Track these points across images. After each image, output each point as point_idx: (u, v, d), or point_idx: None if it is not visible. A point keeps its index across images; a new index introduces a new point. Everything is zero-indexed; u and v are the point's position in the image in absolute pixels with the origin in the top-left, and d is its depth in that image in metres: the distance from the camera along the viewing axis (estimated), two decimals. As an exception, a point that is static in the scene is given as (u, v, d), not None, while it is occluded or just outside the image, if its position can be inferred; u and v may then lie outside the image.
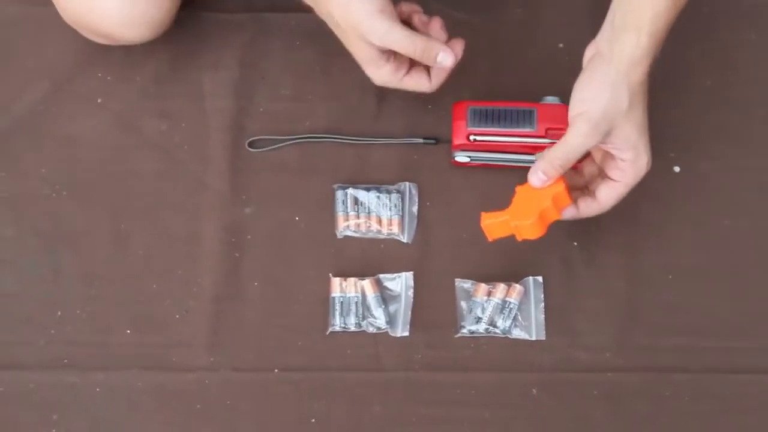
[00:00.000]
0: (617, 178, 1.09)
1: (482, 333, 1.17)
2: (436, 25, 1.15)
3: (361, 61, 1.13)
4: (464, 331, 1.18)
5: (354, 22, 1.08)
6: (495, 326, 1.17)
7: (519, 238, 1.11)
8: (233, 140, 1.27)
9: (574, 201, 1.11)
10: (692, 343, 1.18)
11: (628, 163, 1.08)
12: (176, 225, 1.24)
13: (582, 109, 1.06)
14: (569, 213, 1.12)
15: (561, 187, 1.09)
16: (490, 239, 1.13)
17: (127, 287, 1.21)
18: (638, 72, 1.05)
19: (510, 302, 1.17)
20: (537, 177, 1.08)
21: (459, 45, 1.14)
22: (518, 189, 1.11)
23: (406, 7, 1.16)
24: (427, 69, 1.15)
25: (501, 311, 1.17)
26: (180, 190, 1.26)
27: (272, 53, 1.32)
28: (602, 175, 1.12)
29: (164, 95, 1.30)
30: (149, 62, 1.31)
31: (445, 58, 1.11)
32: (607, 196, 1.11)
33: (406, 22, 1.14)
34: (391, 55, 1.11)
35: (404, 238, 1.22)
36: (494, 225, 1.12)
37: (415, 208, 1.24)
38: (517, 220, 1.10)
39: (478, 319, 1.17)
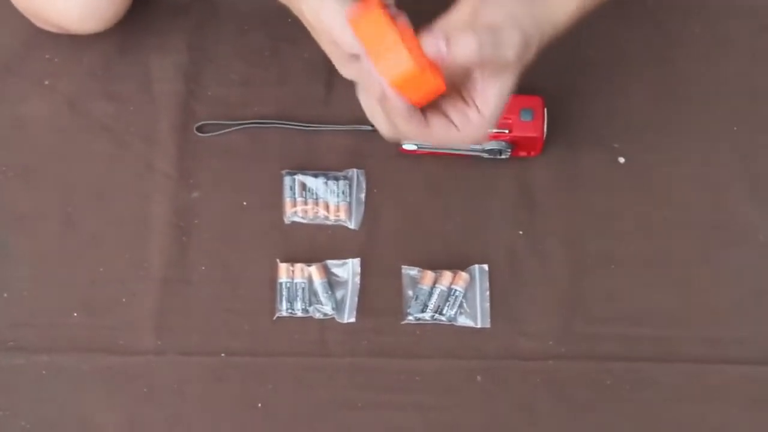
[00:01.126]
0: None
1: (428, 320, 1.19)
2: (402, 21, 1.14)
3: (332, 58, 1.13)
4: (410, 318, 1.19)
5: (325, 28, 1.09)
6: (441, 314, 1.19)
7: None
8: (181, 124, 1.28)
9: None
10: (632, 332, 1.19)
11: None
12: (124, 208, 1.24)
13: None
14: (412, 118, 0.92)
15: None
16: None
17: (75, 269, 1.21)
18: None
19: (456, 290, 1.19)
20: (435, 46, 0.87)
21: None
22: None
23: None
24: None
25: (447, 299, 1.19)
26: (128, 174, 1.26)
27: (221, 37, 1.32)
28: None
29: (112, 78, 1.30)
30: (97, 45, 1.31)
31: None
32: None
33: None
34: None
35: (351, 225, 1.23)
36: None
37: (362, 195, 1.25)
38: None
39: (424, 307, 1.19)
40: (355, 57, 1.10)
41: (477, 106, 0.92)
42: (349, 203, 1.24)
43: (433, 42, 0.86)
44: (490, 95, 0.91)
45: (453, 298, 1.19)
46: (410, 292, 1.20)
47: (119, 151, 1.27)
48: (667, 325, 1.21)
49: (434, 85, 0.86)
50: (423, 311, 1.19)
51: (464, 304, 1.20)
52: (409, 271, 1.21)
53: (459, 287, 1.20)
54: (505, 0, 0.91)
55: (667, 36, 1.34)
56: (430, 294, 1.20)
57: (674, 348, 1.20)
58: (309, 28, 1.10)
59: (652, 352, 1.19)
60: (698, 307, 1.22)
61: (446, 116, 0.93)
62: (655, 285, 1.23)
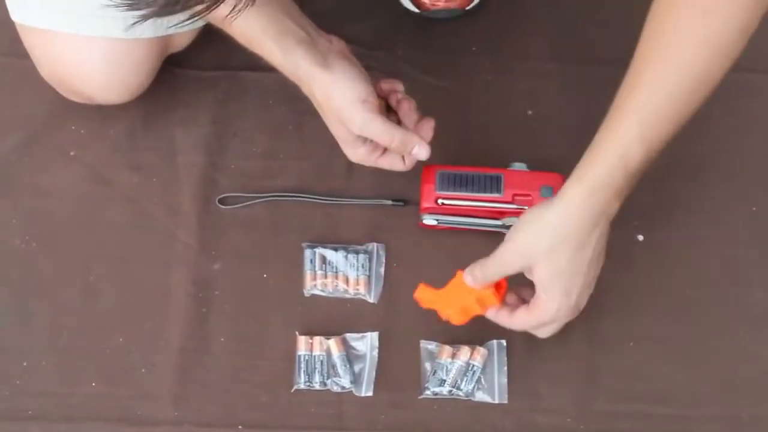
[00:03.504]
0: (531, 307, 1.12)
1: (445, 395, 1.19)
2: (405, 106, 1.20)
3: (339, 140, 1.17)
4: (428, 392, 1.19)
5: (334, 109, 1.12)
6: (458, 389, 1.19)
7: (442, 317, 1.17)
8: (204, 196, 1.30)
9: (505, 302, 1.15)
10: (651, 409, 1.20)
11: (540, 301, 1.10)
12: (145, 278, 1.25)
13: (510, 236, 1.10)
14: (492, 313, 1.15)
15: (489, 291, 1.13)
16: (421, 306, 1.18)
17: (94, 338, 1.22)
18: (572, 214, 1.05)
19: (474, 365, 1.20)
20: (469, 278, 1.13)
21: (429, 125, 1.19)
22: (458, 273, 1.15)
23: (386, 85, 1.21)
24: None
25: (465, 374, 1.20)
26: (150, 243, 1.27)
27: (245, 111, 1.35)
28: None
29: (137, 149, 1.33)
30: (122, 116, 1.33)
31: (421, 151, 1.17)
32: (519, 318, 1.13)
33: (383, 98, 1.19)
34: (362, 143, 1.17)
35: (371, 298, 1.24)
36: (425, 300, 1.17)
37: (382, 269, 1.26)
38: (442, 305, 1.16)
39: (442, 381, 1.19)
40: (362, 139, 1.13)
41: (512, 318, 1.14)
42: (369, 276, 1.25)
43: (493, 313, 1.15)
44: (522, 324, 1.14)
45: (471, 373, 1.20)
46: (428, 366, 1.21)
47: (142, 221, 1.29)
48: (686, 403, 1.21)
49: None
50: (441, 386, 1.19)
51: (482, 380, 1.20)
52: (427, 345, 1.22)
53: (477, 362, 1.20)
54: (543, 273, 1.08)
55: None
56: (448, 369, 1.20)
57: (694, 426, 1.20)
58: (318, 108, 1.14)
59: (671, 430, 1.20)
60: (718, 385, 1.22)
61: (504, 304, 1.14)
62: (675, 362, 1.23)
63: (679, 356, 1.23)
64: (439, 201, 1.25)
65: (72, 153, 1.33)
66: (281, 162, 1.33)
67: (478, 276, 1.12)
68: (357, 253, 1.26)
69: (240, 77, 1.37)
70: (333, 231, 1.28)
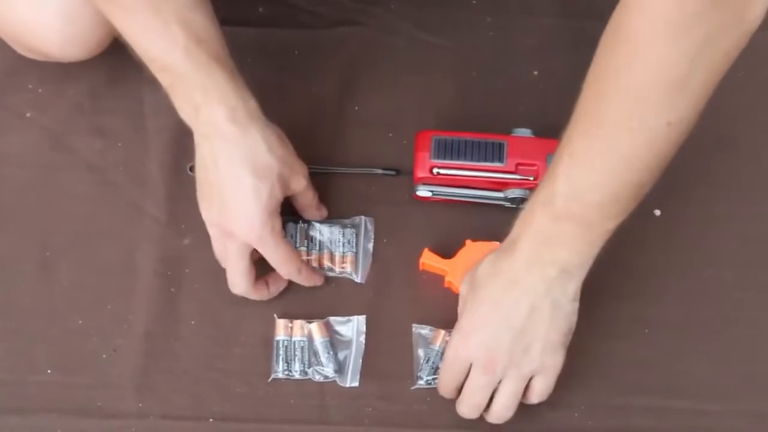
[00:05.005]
0: None
1: None
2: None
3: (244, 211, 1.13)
4: (421, 382, 1.16)
5: (245, 222, 1.11)
6: None
7: (445, 284, 1.19)
8: (174, 163, 1.26)
9: None
10: (667, 404, 1.17)
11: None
12: (107, 254, 1.22)
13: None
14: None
15: None
16: (423, 269, 1.20)
17: (50, 322, 1.19)
18: (503, 248, 1.07)
19: None
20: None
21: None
22: (467, 243, 1.19)
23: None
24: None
25: None
26: (113, 216, 1.25)
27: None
28: None
29: (100, 111, 1.30)
30: (84, 75, 1.30)
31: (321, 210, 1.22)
32: (441, 369, 1.13)
33: None
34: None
35: (357, 278, 1.21)
36: (430, 267, 1.20)
37: (370, 245, 1.23)
38: (452, 278, 1.18)
39: (437, 370, 1.15)
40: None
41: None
42: (356, 254, 1.22)
43: None
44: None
45: None
46: (421, 353, 1.17)
47: (104, 191, 1.26)
48: (706, 397, 1.18)
49: None
50: (435, 374, 1.15)
51: None
52: (420, 330, 1.18)
53: None
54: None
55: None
56: (443, 355, 1.15)
57: (715, 422, 1.17)
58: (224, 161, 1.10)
59: (689, 426, 1.17)
60: (741, 377, 1.19)
61: None
62: (693, 352, 1.20)
63: (698, 345, 1.20)
64: (435, 170, 1.21)
65: (28, 115, 1.30)
66: None
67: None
68: (343, 227, 1.23)
69: None
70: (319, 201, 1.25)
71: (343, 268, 1.21)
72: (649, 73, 0.91)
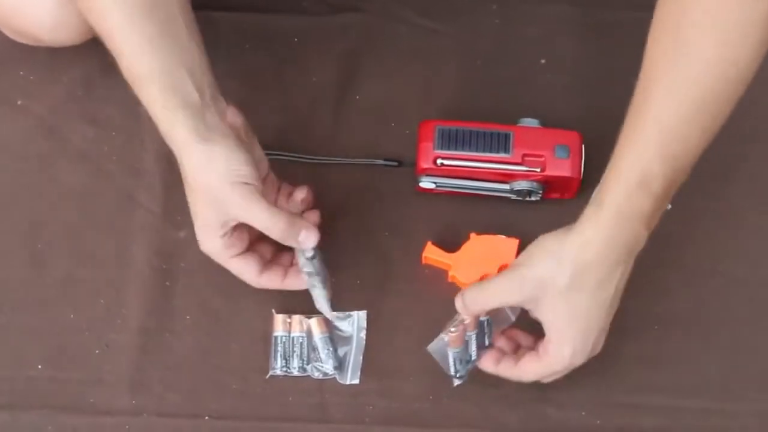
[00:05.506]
0: (541, 353, 1.06)
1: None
2: (298, 197, 1.14)
3: (198, 223, 1.09)
4: (458, 382, 1.12)
5: (207, 187, 1.06)
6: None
7: (448, 279, 1.19)
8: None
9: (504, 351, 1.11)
10: (677, 403, 1.16)
11: (551, 346, 1.05)
12: (100, 247, 1.21)
13: (521, 261, 1.05)
14: (489, 364, 1.10)
15: (511, 261, 1.11)
16: (423, 263, 1.19)
17: (41, 315, 1.18)
18: (594, 246, 1.00)
19: (484, 321, 1.11)
20: (459, 302, 1.08)
21: (315, 215, 1.14)
22: (472, 237, 1.18)
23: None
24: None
25: (483, 336, 1.11)
26: (107, 208, 1.23)
27: (218, 56, 1.22)
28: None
29: (93, 99, 1.29)
30: (78, 61, 1.29)
31: (309, 238, 1.09)
32: (527, 367, 1.08)
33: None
34: (233, 230, 1.08)
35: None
36: (433, 261, 1.19)
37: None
38: (456, 272, 1.18)
39: (468, 361, 1.11)
40: (225, 230, 1.08)
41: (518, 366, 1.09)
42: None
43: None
44: (530, 373, 1.08)
45: (487, 329, 1.11)
46: (447, 358, 1.12)
47: (98, 181, 1.25)
48: (716, 396, 1.17)
49: None
50: (469, 362, 1.12)
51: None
52: (435, 346, 1.12)
53: (484, 317, 1.11)
54: (557, 312, 1.03)
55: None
56: (467, 346, 1.12)
57: (727, 422, 1.16)
58: (184, 181, 1.08)
59: (699, 426, 1.15)
60: (754, 376, 1.18)
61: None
62: (704, 349, 1.19)
63: (709, 342, 1.19)
64: (439, 161, 1.20)
65: (19, 102, 1.29)
66: (258, 115, 1.21)
67: (468, 305, 1.07)
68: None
69: (213, 18, 1.31)
70: (317, 194, 1.21)
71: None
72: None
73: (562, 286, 1.01)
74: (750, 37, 0.92)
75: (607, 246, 1.00)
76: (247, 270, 1.11)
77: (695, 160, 0.99)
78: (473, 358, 1.11)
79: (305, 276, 1.11)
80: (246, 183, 1.06)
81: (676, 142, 0.97)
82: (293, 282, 1.13)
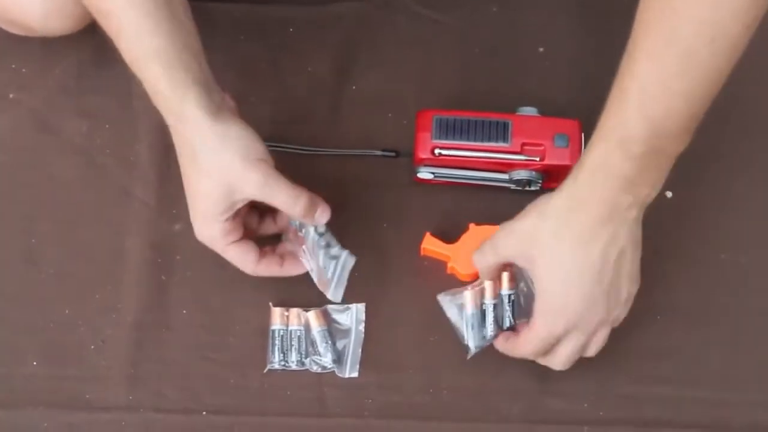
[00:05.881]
0: (531, 321, 1.07)
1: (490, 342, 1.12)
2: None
3: (198, 208, 1.08)
4: (472, 351, 1.11)
5: (222, 166, 1.05)
6: (502, 327, 1.11)
7: (448, 270, 1.19)
8: (164, 145, 1.23)
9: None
10: (681, 393, 1.15)
11: (538, 305, 1.04)
12: (95, 241, 1.21)
13: (515, 218, 1.06)
14: (500, 342, 1.11)
15: None
16: (422, 255, 1.19)
17: (36, 311, 1.18)
18: (575, 198, 1.01)
19: (507, 295, 1.11)
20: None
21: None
22: (471, 227, 1.18)
23: None
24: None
25: (502, 310, 1.11)
26: (101, 201, 1.23)
27: (213, 47, 1.21)
28: None
29: (86, 91, 1.28)
30: (70, 52, 1.29)
31: (323, 213, 1.11)
32: (523, 336, 1.08)
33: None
34: (233, 216, 1.08)
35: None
36: (432, 252, 1.19)
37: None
38: (455, 263, 1.17)
39: (485, 332, 1.11)
40: (227, 216, 1.07)
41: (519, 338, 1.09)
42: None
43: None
44: (521, 346, 1.09)
45: (509, 305, 1.11)
46: (458, 320, 1.13)
47: (91, 175, 1.24)
48: (720, 387, 1.16)
49: None
50: (484, 338, 1.11)
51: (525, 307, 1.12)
52: (448, 297, 1.14)
53: (507, 291, 1.11)
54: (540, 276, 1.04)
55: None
56: (483, 313, 1.11)
57: (730, 413, 1.15)
58: (187, 162, 1.07)
59: (703, 418, 1.15)
60: (757, 366, 1.17)
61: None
62: (708, 339, 1.18)
63: (712, 332, 1.19)
64: (437, 151, 1.19)
65: (11, 95, 1.28)
66: (254, 105, 1.26)
67: (476, 257, 1.09)
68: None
69: (207, 8, 1.30)
70: (313, 186, 1.19)
71: None
72: None
73: (545, 238, 1.01)
74: (741, 10, 0.91)
75: (585, 201, 1.00)
76: (245, 257, 1.10)
77: (682, 128, 0.97)
78: (489, 334, 1.11)
79: (308, 256, 1.12)
80: (264, 160, 1.06)
81: (656, 104, 0.96)
82: (292, 267, 1.13)
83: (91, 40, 1.26)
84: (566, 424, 1.13)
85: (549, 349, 1.06)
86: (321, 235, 1.11)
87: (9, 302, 1.18)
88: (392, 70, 1.30)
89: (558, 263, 1.02)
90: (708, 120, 1.21)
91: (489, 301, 1.12)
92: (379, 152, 1.24)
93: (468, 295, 1.13)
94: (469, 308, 1.13)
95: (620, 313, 1.05)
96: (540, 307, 1.04)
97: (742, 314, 1.19)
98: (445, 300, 1.14)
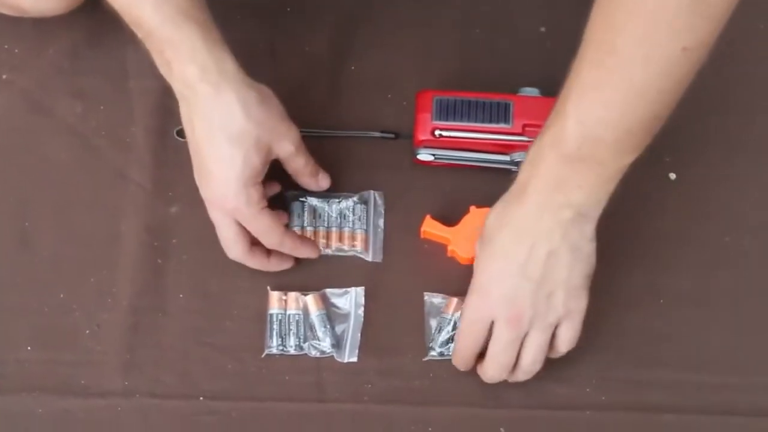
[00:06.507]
0: None
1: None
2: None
3: (228, 174, 1.08)
4: (433, 353, 1.14)
5: (269, 119, 1.09)
6: None
7: (448, 253, 1.18)
8: (160, 127, 1.24)
9: None
10: (685, 378, 1.15)
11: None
12: (90, 224, 1.20)
13: None
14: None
15: None
16: (424, 237, 1.19)
17: (30, 296, 1.17)
18: (511, 192, 1.05)
19: None
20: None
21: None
22: (472, 210, 1.17)
23: None
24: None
25: None
26: (96, 184, 1.22)
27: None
28: None
29: (81, 72, 1.27)
30: (64, 33, 1.28)
31: (325, 178, 1.18)
32: (459, 329, 1.11)
33: None
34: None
35: (369, 257, 1.19)
36: (432, 235, 1.18)
37: (381, 221, 1.21)
38: (456, 246, 1.17)
39: (450, 339, 1.13)
40: (258, 177, 1.09)
41: None
42: (366, 231, 1.20)
43: None
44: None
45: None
46: (433, 323, 1.16)
47: (86, 157, 1.23)
48: (723, 370, 1.16)
49: None
50: (449, 344, 1.14)
51: None
52: (432, 299, 1.17)
53: None
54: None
55: (725, 34, 1.28)
56: (457, 324, 1.13)
57: (734, 397, 1.15)
58: (221, 125, 1.07)
59: (707, 402, 1.15)
60: (761, 349, 1.17)
61: None
62: (711, 322, 1.18)
63: (715, 315, 1.18)
64: (437, 132, 1.19)
65: (4, 76, 1.27)
66: None
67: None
68: (354, 203, 1.21)
69: None
70: None
71: (353, 246, 1.18)
72: None
73: (489, 226, 1.05)
74: (679, 31, 0.91)
75: (522, 192, 1.02)
76: (276, 223, 1.11)
77: (617, 140, 0.98)
78: (452, 346, 1.13)
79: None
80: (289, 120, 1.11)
81: (591, 110, 0.97)
82: (278, 262, 1.15)
83: (85, 21, 1.26)
84: (568, 409, 1.13)
85: (480, 344, 1.07)
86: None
87: (2, 286, 1.17)
88: (392, 50, 1.29)
89: (492, 248, 1.04)
90: (711, 103, 1.22)
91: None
92: (378, 134, 1.24)
93: (454, 301, 1.14)
94: (449, 313, 1.14)
95: (557, 315, 1.05)
96: (470, 289, 1.06)
97: (745, 297, 1.19)
98: (429, 299, 1.16)
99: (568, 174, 0.99)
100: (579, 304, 1.05)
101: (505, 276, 1.03)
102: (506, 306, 1.03)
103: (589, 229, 1.03)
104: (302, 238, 1.15)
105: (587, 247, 1.03)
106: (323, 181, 1.17)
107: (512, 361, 1.06)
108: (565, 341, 1.06)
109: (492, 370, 1.07)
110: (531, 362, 1.06)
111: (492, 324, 1.05)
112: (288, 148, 1.10)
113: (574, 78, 0.97)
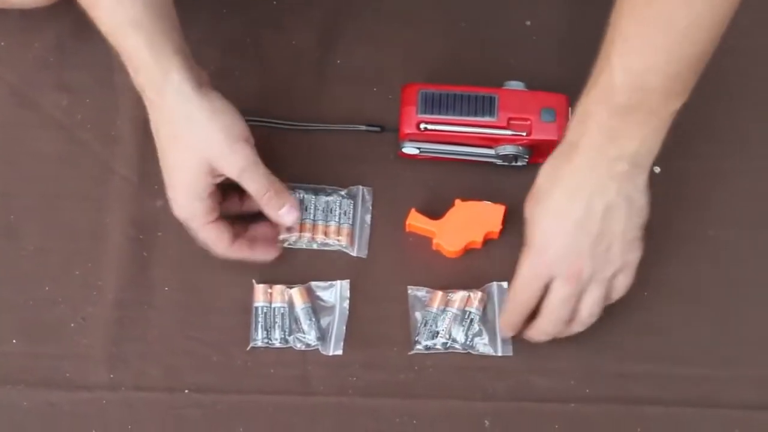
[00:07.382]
0: None
1: (440, 349, 1.14)
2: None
3: (183, 180, 1.08)
4: (419, 347, 1.14)
5: (208, 145, 1.05)
6: (454, 341, 1.14)
7: (433, 247, 1.19)
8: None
9: None
10: (669, 371, 1.15)
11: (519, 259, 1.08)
12: (75, 217, 1.20)
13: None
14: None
15: (497, 228, 1.17)
16: (409, 230, 1.19)
17: (15, 288, 1.17)
18: (559, 151, 1.05)
19: (470, 312, 1.14)
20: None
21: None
22: (457, 203, 1.18)
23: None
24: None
25: (461, 323, 1.14)
26: (81, 177, 1.22)
27: (195, 21, 1.26)
28: None
29: (66, 65, 1.27)
30: (50, 26, 1.28)
31: (290, 214, 1.12)
32: (513, 286, 1.10)
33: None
34: (213, 193, 1.08)
35: (353, 251, 1.19)
36: (417, 228, 1.18)
37: (368, 217, 1.21)
38: (441, 240, 1.17)
39: (435, 333, 1.14)
40: (208, 193, 1.07)
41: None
42: (352, 226, 1.20)
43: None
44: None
45: (467, 321, 1.14)
46: (418, 317, 1.16)
47: (72, 150, 1.23)
48: (709, 363, 1.16)
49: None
50: (434, 338, 1.14)
51: (482, 331, 1.15)
52: (416, 292, 1.17)
53: (474, 309, 1.14)
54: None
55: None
56: (441, 318, 1.14)
57: (718, 389, 1.15)
58: (166, 136, 1.07)
59: (691, 394, 1.15)
60: (746, 343, 1.17)
61: None
62: (695, 315, 1.18)
63: (700, 308, 1.19)
64: (422, 126, 1.19)
65: None
66: (237, 81, 1.27)
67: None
68: (340, 197, 1.21)
69: None
70: (297, 161, 1.23)
71: (338, 240, 1.18)
72: None
73: (541, 183, 1.06)
74: None
75: (574, 147, 1.03)
76: (221, 237, 1.10)
77: (665, 86, 1.00)
78: (438, 341, 1.13)
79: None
80: (247, 140, 1.06)
81: (637, 57, 0.98)
82: (264, 252, 1.14)
83: (70, 14, 1.25)
84: (552, 401, 1.13)
85: (534, 303, 1.07)
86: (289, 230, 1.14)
87: (-13, 280, 1.17)
88: (377, 43, 1.29)
89: (545, 207, 1.05)
90: (697, 95, 1.22)
91: (450, 309, 1.14)
92: (363, 127, 1.24)
93: (438, 295, 1.15)
94: (434, 307, 1.15)
95: (614, 268, 1.06)
96: (525, 248, 1.06)
97: (730, 290, 1.19)
98: (412, 292, 1.16)
99: (620, 126, 1.00)
100: (635, 255, 1.06)
101: (562, 233, 1.04)
102: (565, 262, 1.04)
103: (642, 180, 1.04)
104: (254, 244, 1.14)
105: (641, 199, 1.05)
106: (287, 216, 1.11)
107: (570, 315, 1.07)
108: (619, 290, 1.08)
109: (550, 326, 1.08)
110: (588, 315, 1.08)
111: (548, 282, 1.06)
112: (231, 170, 1.06)
113: (614, 29, 0.98)
